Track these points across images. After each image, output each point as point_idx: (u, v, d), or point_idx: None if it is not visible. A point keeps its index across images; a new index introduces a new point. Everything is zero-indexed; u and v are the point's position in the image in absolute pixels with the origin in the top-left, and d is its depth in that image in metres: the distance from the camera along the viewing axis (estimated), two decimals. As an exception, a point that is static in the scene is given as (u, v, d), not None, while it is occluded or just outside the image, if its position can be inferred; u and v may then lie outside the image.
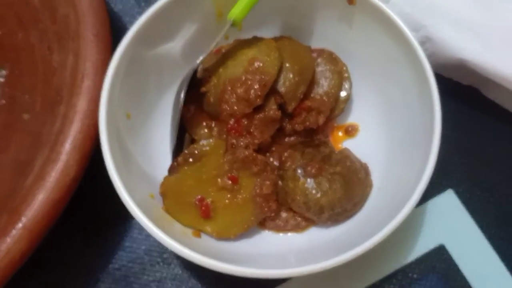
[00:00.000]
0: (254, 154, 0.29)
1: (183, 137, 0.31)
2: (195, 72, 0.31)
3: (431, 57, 0.34)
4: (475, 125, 0.35)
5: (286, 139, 0.32)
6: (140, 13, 0.38)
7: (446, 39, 0.33)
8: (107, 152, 0.26)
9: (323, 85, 0.33)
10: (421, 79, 0.29)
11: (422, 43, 0.33)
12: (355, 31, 0.32)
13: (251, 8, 0.29)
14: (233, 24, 0.29)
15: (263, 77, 0.30)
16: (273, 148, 0.32)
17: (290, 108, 0.31)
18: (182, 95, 0.30)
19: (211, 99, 0.31)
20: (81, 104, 0.28)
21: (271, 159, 0.31)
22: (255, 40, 0.32)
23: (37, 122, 0.32)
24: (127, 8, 0.38)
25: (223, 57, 0.32)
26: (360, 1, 0.30)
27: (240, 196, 0.29)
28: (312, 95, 0.32)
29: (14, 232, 0.25)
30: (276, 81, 0.30)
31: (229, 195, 0.29)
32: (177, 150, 0.30)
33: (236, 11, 0.29)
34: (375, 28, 0.31)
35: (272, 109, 0.30)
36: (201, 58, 0.30)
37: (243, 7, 0.29)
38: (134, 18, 0.38)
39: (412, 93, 0.30)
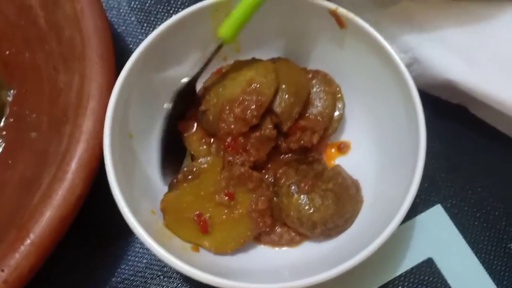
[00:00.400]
0: (249, 171, 0.31)
1: (183, 154, 0.33)
2: (190, 88, 0.33)
3: (419, 77, 0.35)
4: (463, 142, 0.37)
5: (281, 157, 0.34)
6: (142, 34, 0.40)
7: (433, 60, 0.34)
8: (111, 172, 0.28)
9: (318, 105, 0.34)
10: (407, 100, 0.30)
11: (410, 64, 0.35)
12: (347, 53, 0.34)
13: (240, 26, 0.31)
14: (224, 43, 0.31)
15: (259, 98, 0.31)
16: (269, 165, 0.33)
17: (285, 127, 0.32)
18: (169, 110, 0.32)
19: (210, 118, 0.32)
20: (87, 125, 0.30)
21: (267, 176, 0.33)
22: (254, 62, 0.33)
23: (44, 140, 0.33)
24: (130, 29, 0.40)
25: (223, 77, 0.33)
26: (351, 25, 0.32)
27: (237, 212, 0.30)
28: (307, 115, 0.34)
29: (22, 248, 0.27)
30: (272, 101, 0.32)
31: (226, 211, 0.30)
32: (177, 166, 0.32)
33: (223, 30, 0.30)
34: (364, 50, 0.32)
35: (268, 128, 0.32)
36: (185, 80, 0.32)
37: (230, 25, 0.30)
38: (137, 39, 0.40)
39: (400, 113, 0.31)
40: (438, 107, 0.37)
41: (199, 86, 0.34)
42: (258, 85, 0.31)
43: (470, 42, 0.35)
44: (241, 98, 0.31)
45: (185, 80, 0.32)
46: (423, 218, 0.34)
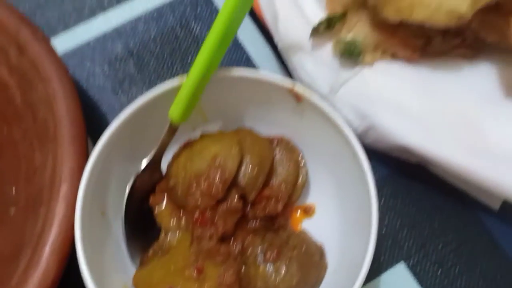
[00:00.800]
0: (217, 245, 0.32)
1: (153, 229, 0.35)
2: (154, 166, 0.35)
3: (376, 142, 0.37)
4: (424, 199, 0.38)
5: (249, 225, 0.35)
6: (117, 100, 0.42)
7: (388, 127, 0.36)
8: (80, 252, 0.30)
9: (281, 173, 0.36)
10: (359, 169, 0.32)
11: (367, 131, 0.37)
12: (307, 122, 0.36)
13: (188, 107, 0.33)
14: (174, 125, 0.33)
15: (224, 172, 0.33)
16: (237, 234, 0.35)
17: (250, 198, 0.34)
18: (125, 196, 0.34)
19: (179, 192, 0.34)
20: (60, 208, 0.31)
21: (235, 245, 0.34)
22: (219, 136, 0.35)
23: (22, 218, 0.35)
24: (105, 97, 0.42)
25: (190, 151, 0.35)
26: (306, 100, 0.34)
27: (206, 285, 0.32)
28: (271, 183, 0.35)
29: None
30: (237, 174, 0.34)
31: (196, 285, 0.32)
32: (147, 242, 0.34)
33: (172, 113, 0.33)
34: (320, 121, 0.34)
35: (233, 201, 0.33)
36: (144, 162, 0.34)
37: (177, 107, 0.32)
38: (112, 107, 0.41)
39: (355, 178, 0.33)
40: (398, 165, 0.39)
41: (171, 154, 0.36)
42: (222, 161, 0.33)
43: (424, 107, 0.37)
44: (207, 174, 0.33)
45: (144, 162, 0.34)
46: (387, 276, 0.36)
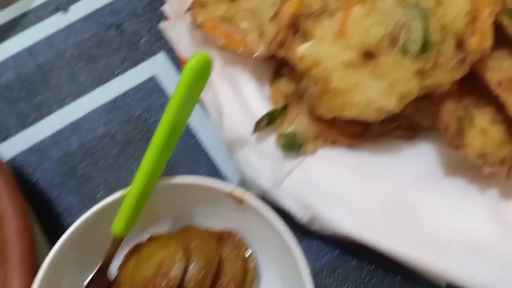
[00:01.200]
0: None
1: None
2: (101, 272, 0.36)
3: (321, 231, 0.38)
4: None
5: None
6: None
7: (331, 217, 0.37)
8: None
9: (229, 271, 0.37)
10: (297, 267, 0.33)
11: (311, 221, 0.38)
12: (250, 220, 0.37)
13: (131, 220, 0.34)
14: (117, 237, 0.34)
15: (169, 281, 0.34)
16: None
17: (198, 302, 0.35)
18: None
19: (128, 300, 0.35)
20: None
21: None
22: (165, 239, 0.36)
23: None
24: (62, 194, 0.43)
25: (138, 257, 0.36)
26: (245, 201, 0.35)
27: None
28: (219, 283, 0.36)
29: None
30: (183, 279, 0.35)
31: None
32: None
33: (115, 226, 0.34)
34: (262, 220, 0.35)
35: (181, 306, 0.34)
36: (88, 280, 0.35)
37: (119, 221, 0.34)
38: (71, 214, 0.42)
39: (297, 275, 0.34)
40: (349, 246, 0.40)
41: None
42: (167, 268, 0.34)
43: (363, 195, 0.38)
44: (153, 283, 0.34)
45: (87, 281, 0.35)
46: None
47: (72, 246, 0.34)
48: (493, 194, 0.39)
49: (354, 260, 0.40)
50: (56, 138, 0.45)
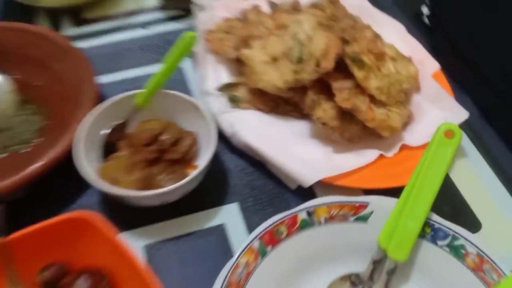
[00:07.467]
0: (146, 161, 0.69)
1: (114, 150, 0.73)
2: (121, 128, 0.74)
3: (237, 143, 0.75)
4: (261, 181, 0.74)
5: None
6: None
7: (242, 134, 0.74)
8: (82, 144, 0.68)
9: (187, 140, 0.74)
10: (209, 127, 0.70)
11: (232, 136, 0.75)
12: (200, 121, 0.74)
13: (146, 100, 0.73)
14: (137, 106, 0.72)
15: (150, 133, 0.71)
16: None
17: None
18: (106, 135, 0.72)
19: (132, 138, 0.72)
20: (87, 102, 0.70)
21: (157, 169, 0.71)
22: (157, 121, 0.74)
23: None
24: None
25: (142, 125, 0.74)
26: (198, 108, 0.73)
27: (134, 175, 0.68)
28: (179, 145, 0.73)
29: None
30: (157, 137, 0.72)
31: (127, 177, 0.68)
32: (111, 153, 0.72)
33: (138, 99, 0.72)
34: (204, 120, 0.73)
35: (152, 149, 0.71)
36: (113, 124, 0.74)
37: (143, 96, 0.72)
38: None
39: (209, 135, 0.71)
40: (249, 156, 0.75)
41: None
42: (157, 132, 0.72)
43: (261, 130, 0.76)
44: (143, 134, 0.72)
45: (113, 124, 0.73)
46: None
47: (109, 110, 0.73)
48: (329, 146, 0.75)
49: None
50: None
